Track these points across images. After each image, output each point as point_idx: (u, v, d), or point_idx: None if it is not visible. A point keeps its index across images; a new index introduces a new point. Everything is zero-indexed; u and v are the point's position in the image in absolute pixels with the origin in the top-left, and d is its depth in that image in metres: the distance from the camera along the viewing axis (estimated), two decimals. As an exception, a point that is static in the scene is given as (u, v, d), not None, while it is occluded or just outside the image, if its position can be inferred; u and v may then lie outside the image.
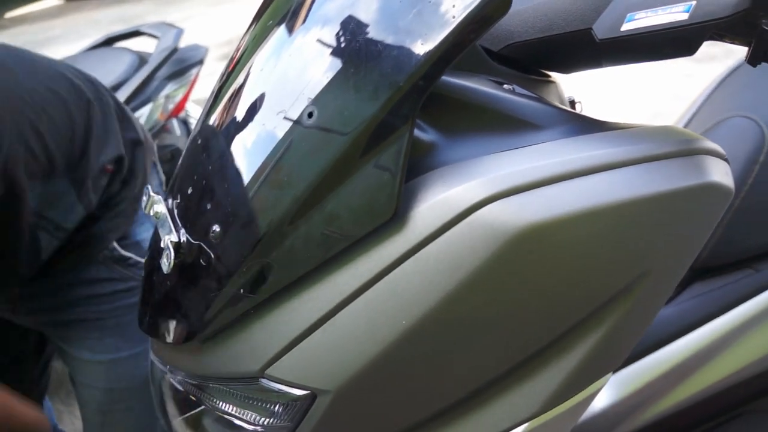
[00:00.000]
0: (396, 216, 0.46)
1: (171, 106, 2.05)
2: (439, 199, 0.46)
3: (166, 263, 0.52)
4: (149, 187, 0.57)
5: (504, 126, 0.52)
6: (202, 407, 0.57)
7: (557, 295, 0.48)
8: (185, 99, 2.12)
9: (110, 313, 0.94)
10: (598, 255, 0.48)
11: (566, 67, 0.64)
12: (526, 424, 0.53)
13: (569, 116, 0.54)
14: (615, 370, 0.59)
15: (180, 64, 2.06)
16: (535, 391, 0.53)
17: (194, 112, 2.22)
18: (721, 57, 2.87)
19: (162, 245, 0.53)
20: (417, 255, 0.46)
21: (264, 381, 0.51)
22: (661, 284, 0.54)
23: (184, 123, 2.19)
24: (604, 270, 0.49)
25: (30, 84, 0.81)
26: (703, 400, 0.89)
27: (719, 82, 1.19)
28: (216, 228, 0.50)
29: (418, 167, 0.49)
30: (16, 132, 0.76)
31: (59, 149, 0.82)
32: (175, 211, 0.56)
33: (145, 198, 0.57)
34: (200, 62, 2.16)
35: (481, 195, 0.45)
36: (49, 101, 0.81)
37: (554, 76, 0.68)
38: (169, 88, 2.03)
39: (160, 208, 0.55)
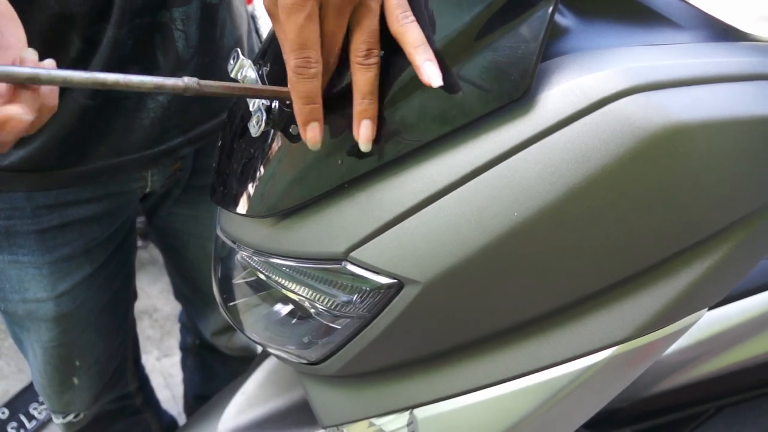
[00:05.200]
0: (526, 96, 0.41)
1: None
2: (574, 84, 0.42)
3: (256, 127, 0.48)
4: (238, 50, 0.53)
5: (644, 19, 0.47)
6: (271, 288, 0.54)
7: (682, 208, 0.44)
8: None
9: None
10: (738, 170, 0.44)
11: None
12: (613, 349, 0.50)
13: (711, 20, 0.49)
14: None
15: None
16: (630, 315, 0.49)
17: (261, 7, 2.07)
18: None
19: (251, 109, 0.49)
20: (542, 141, 0.42)
21: (347, 264, 0.47)
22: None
23: (252, 18, 2.06)
24: (741, 187, 0.44)
25: None
26: None
27: None
28: None
29: (551, 50, 0.44)
30: None
31: None
32: (266, 78, 0.52)
33: (232, 62, 0.52)
34: None
35: (621, 85, 0.41)
36: None
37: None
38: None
39: (249, 72, 0.51)
